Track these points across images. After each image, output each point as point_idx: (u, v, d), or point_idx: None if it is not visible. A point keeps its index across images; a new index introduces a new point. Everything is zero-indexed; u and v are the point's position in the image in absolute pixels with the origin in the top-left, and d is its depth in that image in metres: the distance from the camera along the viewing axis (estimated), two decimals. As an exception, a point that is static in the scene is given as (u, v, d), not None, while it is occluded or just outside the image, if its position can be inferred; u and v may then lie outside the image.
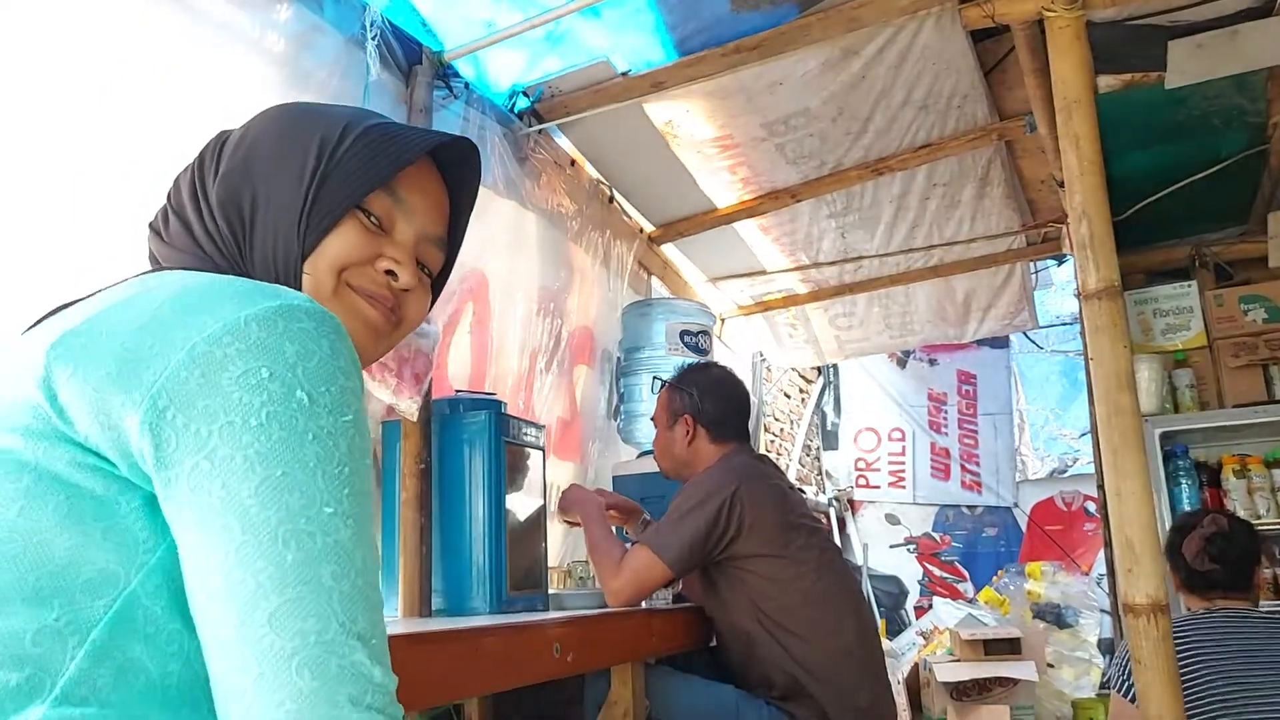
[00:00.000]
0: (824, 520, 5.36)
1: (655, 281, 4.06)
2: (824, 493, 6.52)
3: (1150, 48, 2.83)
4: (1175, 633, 2.31)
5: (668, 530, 2.30)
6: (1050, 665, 5.34)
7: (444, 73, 2.57)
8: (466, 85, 2.69)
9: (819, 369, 6.62)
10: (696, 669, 2.36)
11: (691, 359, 3.31)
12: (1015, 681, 4.91)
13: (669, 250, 4.07)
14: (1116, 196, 3.62)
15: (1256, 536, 2.52)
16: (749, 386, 5.14)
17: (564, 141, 3.18)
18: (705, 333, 3.57)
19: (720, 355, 4.67)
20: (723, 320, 4.78)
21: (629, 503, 2.72)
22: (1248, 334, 3.57)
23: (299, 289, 0.84)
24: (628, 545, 2.40)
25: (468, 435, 2.22)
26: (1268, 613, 2.42)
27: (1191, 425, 3.55)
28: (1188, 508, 3.42)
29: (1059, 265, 4.80)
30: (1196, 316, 3.69)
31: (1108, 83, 3.06)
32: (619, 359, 3.55)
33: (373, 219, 0.88)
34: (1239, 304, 3.62)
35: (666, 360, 3.36)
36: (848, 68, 2.81)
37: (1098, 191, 2.28)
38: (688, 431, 2.51)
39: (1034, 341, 6.49)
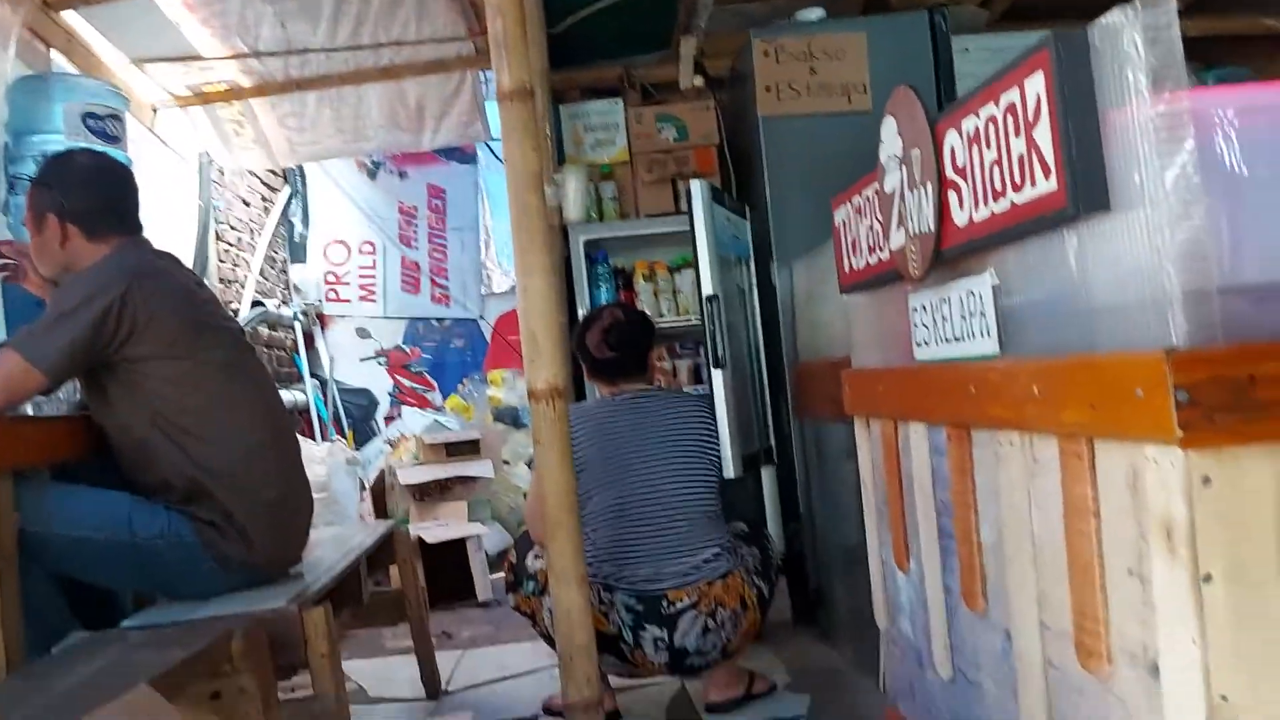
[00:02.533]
0: (238, 321, 5.13)
1: (58, 56, 3.45)
2: (289, 305, 6.29)
3: None
4: (582, 415, 2.61)
5: (43, 334, 2.02)
6: (506, 462, 5.77)
7: None
8: None
9: (284, 176, 6.25)
10: (86, 478, 2.16)
11: (99, 147, 2.90)
12: (475, 480, 5.27)
13: (74, 20, 3.47)
14: (553, 9, 3.75)
15: (650, 326, 2.85)
16: (196, 189, 4.70)
17: None
18: (116, 117, 3.14)
19: (155, 150, 4.18)
20: (155, 110, 4.25)
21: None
22: (660, 150, 3.95)
23: None
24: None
25: None
26: (661, 389, 2.78)
27: (612, 234, 3.90)
28: (606, 309, 3.79)
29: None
30: (621, 133, 4.00)
31: (542, -112, 3.08)
32: (6, 144, 3.02)
33: None
34: (655, 122, 3.98)
35: (66, 146, 2.91)
36: None
37: (513, -10, 2.26)
38: (58, 232, 2.19)
39: (499, 157, 6.66)
